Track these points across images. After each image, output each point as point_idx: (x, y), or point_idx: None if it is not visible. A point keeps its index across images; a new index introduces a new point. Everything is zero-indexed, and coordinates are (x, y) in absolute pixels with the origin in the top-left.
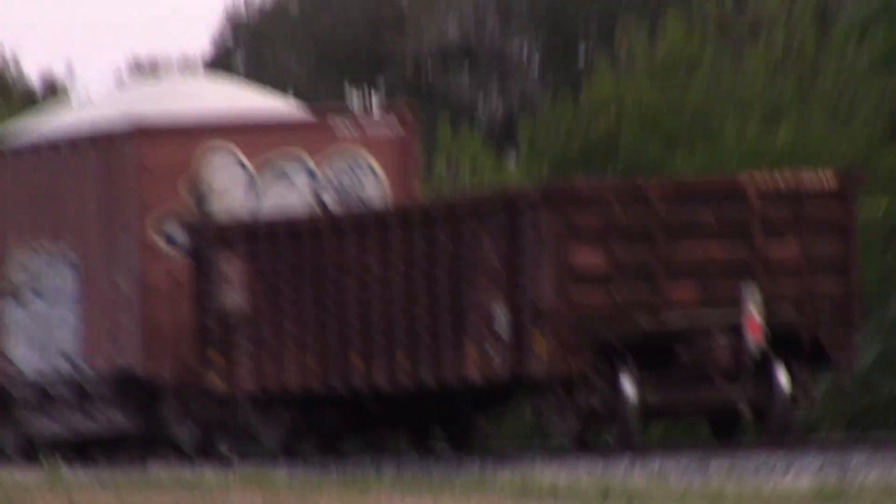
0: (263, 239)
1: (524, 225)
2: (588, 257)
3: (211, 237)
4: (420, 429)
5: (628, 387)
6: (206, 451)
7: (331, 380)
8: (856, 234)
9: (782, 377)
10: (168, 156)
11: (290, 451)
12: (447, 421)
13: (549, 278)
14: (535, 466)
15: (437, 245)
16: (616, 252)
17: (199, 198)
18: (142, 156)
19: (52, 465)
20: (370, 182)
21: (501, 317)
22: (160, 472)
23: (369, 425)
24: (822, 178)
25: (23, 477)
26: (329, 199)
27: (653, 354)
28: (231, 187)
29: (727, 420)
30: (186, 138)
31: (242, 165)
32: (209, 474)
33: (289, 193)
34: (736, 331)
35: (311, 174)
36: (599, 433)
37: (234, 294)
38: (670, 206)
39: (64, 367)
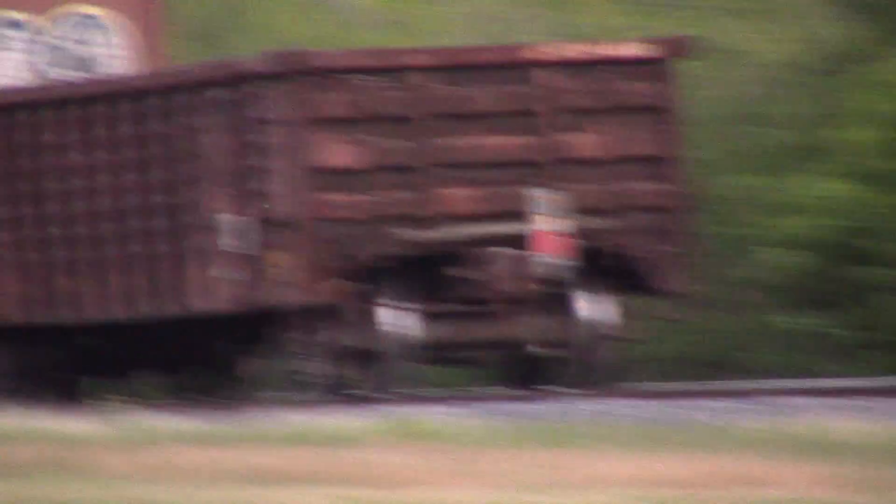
0: None
1: (252, 109)
2: (335, 152)
3: None
4: (171, 372)
5: (386, 320)
6: None
7: (31, 308)
8: (675, 118)
9: (583, 308)
10: None
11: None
12: (202, 363)
13: (284, 180)
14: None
15: (150, 135)
16: (370, 145)
17: None
18: None
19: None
20: (107, 45)
21: (228, 229)
22: (269, 422)
23: (109, 366)
24: (630, 46)
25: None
26: (52, 69)
27: (418, 279)
28: None
29: (524, 363)
30: None
31: None
32: (352, 423)
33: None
34: (522, 248)
35: (30, 39)
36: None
37: None
38: (439, 85)
39: None
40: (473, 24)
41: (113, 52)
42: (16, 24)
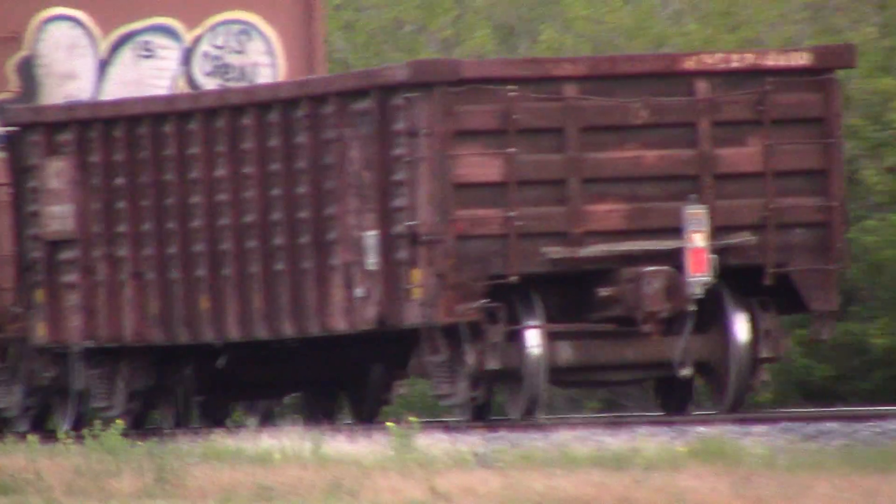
0: (97, 137)
1: (398, 121)
2: (481, 166)
3: (35, 136)
4: (319, 396)
5: (533, 341)
6: (39, 425)
7: (173, 328)
8: (838, 130)
9: (740, 327)
10: None
11: (137, 420)
12: (351, 385)
13: (428, 195)
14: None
15: (297, 147)
16: (516, 159)
17: (33, 83)
18: None
19: (402, 433)
20: (265, 54)
21: (372, 247)
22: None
23: (244, 390)
24: (791, 55)
25: (358, 450)
26: (206, 80)
27: (567, 298)
28: (77, 68)
29: (673, 385)
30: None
31: (92, 39)
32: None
33: (154, 76)
34: (675, 266)
35: (185, 48)
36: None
37: (63, 213)
38: (589, 96)
39: None
40: (812, 16)
41: (271, 61)
42: (170, 33)
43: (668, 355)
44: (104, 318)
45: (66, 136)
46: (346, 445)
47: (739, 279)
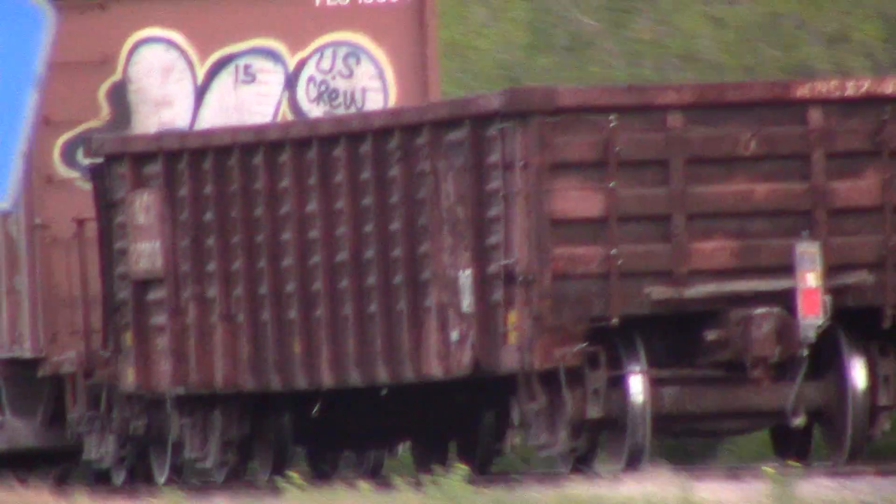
0: (185, 169)
1: (491, 153)
2: (580, 201)
3: (122, 168)
4: (429, 445)
5: (636, 388)
6: (130, 471)
7: (265, 374)
8: None
9: (857, 372)
10: (82, 46)
11: (232, 471)
12: (461, 434)
13: (523, 232)
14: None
15: (390, 180)
16: (617, 193)
17: (125, 109)
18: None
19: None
20: (374, 79)
21: (467, 287)
22: None
23: (348, 439)
24: None
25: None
26: (312, 107)
27: (672, 342)
28: (172, 94)
29: (789, 434)
30: (107, 20)
31: (189, 62)
32: None
33: (256, 102)
34: (787, 307)
35: (288, 73)
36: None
37: (151, 251)
38: (695, 126)
39: None
40: None
41: (381, 85)
42: (273, 56)
43: (779, 403)
44: (194, 362)
45: (153, 168)
46: (717, 492)
47: (857, 322)
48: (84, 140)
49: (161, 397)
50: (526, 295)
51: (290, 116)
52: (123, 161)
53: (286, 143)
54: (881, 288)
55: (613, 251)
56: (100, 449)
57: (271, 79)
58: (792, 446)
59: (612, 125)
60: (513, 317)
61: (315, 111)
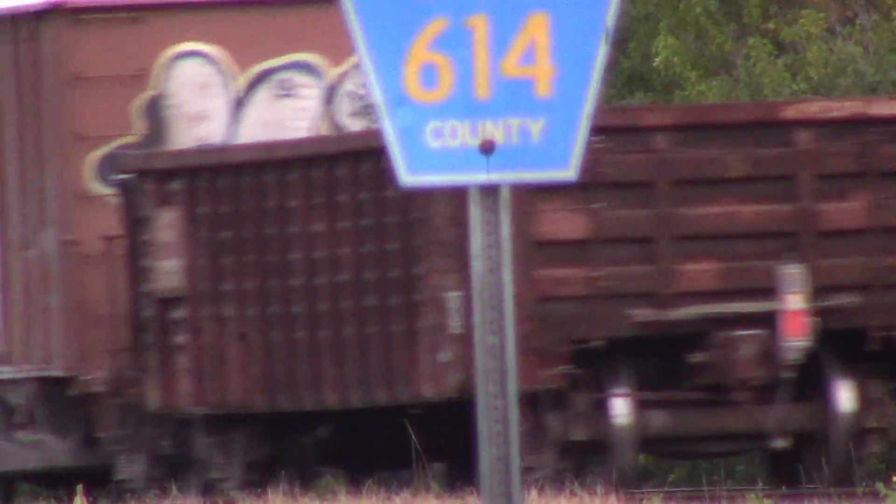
0: (205, 183)
1: None
2: (563, 222)
3: (148, 184)
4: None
5: (620, 410)
6: (161, 488)
7: (276, 394)
8: None
9: (844, 395)
10: (116, 60)
11: (257, 491)
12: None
13: None
14: None
15: (389, 200)
16: (602, 215)
17: (160, 125)
18: (70, 56)
19: None
20: None
21: (455, 308)
22: None
23: (370, 459)
24: None
25: None
26: (350, 121)
27: (656, 364)
28: (209, 109)
29: (779, 456)
30: (142, 34)
31: (226, 77)
32: None
33: (294, 117)
34: (772, 330)
35: (327, 88)
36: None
37: (174, 269)
38: (680, 147)
39: None
40: None
41: None
42: (311, 70)
43: (763, 426)
44: (211, 382)
45: (176, 185)
46: None
47: (844, 344)
48: (114, 156)
49: (184, 417)
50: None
51: (327, 131)
52: (149, 178)
53: (294, 162)
54: (868, 310)
55: (597, 273)
56: (130, 468)
57: (309, 93)
58: (783, 470)
59: (598, 146)
60: None
61: (353, 126)
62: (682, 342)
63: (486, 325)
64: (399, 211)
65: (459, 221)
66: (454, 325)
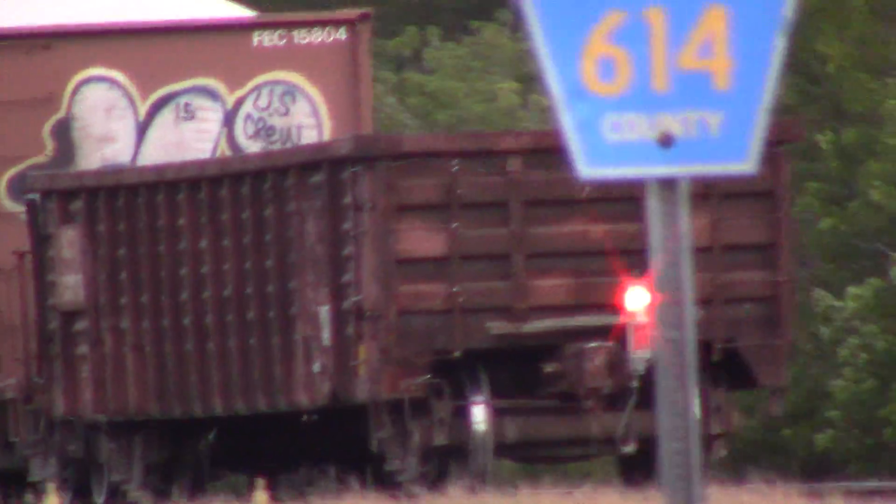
0: (103, 202)
1: (345, 195)
2: (424, 240)
3: (51, 204)
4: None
5: (478, 417)
6: (78, 491)
7: (170, 401)
8: (787, 204)
9: None
10: (28, 84)
11: (157, 493)
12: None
13: (371, 270)
14: None
15: (265, 219)
16: (459, 233)
17: (69, 146)
18: None
19: None
20: (309, 116)
21: (326, 322)
22: None
23: (262, 462)
24: None
25: None
26: (250, 143)
27: (513, 373)
28: (115, 131)
29: (634, 460)
30: (52, 60)
31: (131, 100)
32: None
33: (196, 138)
34: (618, 341)
35: (227, 111)
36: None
37: (75, 283)
38: (533, 170)
39: None
40: None
41: (316, 122)
42: (212, 94)
43: (612, 431)
44: (111, 390)
45: (77, 205)
46: None
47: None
48: (21, 176)
49: (87, 423)
50: (373, 329)
51: (228, 152)
52: (52, 197)
53: (181, 183)
54: (710, 323)
55: (456, 288)
56: (43, 471)
57: (210, 116)
58: (637, 472)
59: (454, 169)
60: (363, 350)
61: (253, 147)
62: (538, 353)
63: (666, 319)
64: (274, 230)
65: (326, 240)
66: (325, 337)
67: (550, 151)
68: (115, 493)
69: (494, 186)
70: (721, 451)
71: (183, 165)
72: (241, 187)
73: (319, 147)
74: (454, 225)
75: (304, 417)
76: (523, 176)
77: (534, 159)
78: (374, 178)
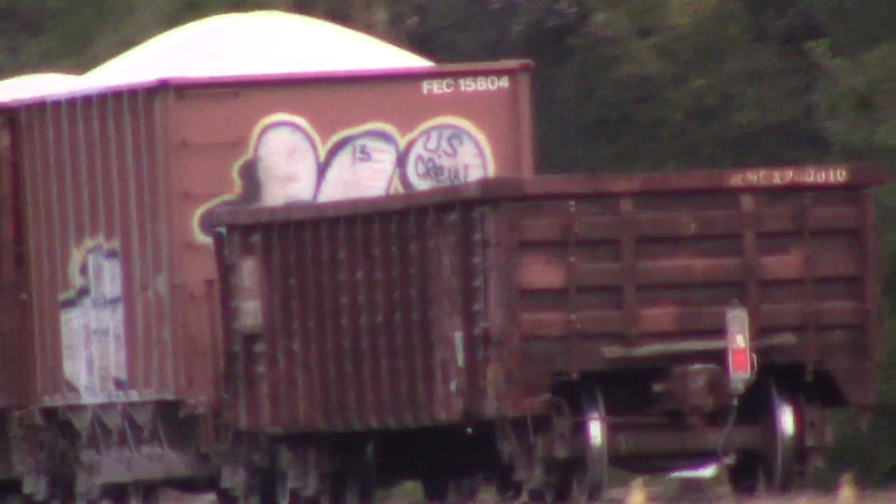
0: (276, 236)
1: (475, 233)
2: (544, 274)
3: (235, 237)
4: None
5: (595, 432)
6: (265, 497)
7: (332, 415)
8: (872, 241)
9: (785, 418)
10: (218, 129)
11: (333, 499)
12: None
13: (497, 300)
14: None
15: (410, 254)
16: (576, 267)
17: (255, 185)
18: (178, 126)
19: None
20: (471, 157)
21: (460, 346)
22: None
23: (422, 471)
24: (829, 172)
25: None
26: (420, 181)
27: (626, 392)
28: (297, 171)
29: (741, 470)
30: (239, 106)
31: (312, 143)
32: None
33: (370, 178)
34: (719, 364)
35: (399, 152)
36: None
37: (254, 309)
38: (642, 210)
39: (116, 392)
40: None
41: (480, 163)
42: (385, 137)
43: (713, 445)
44: (285, 406)
45: (255, 238)
46: None
47: (786, 376)
48: (212, 212)
49: (269, 434)
50: (499, 353)
51: (401, 190)
52: (236, 231)
53: (340, 220)
54: (804, 347)
55: (573, 316)
56: (233, 479)
57: (385, 157)
58: (744, 481)
59: (571, 209)
60: (490, 372)
61: (423, 185)
62: (647, 374)
63: None
64: (418, 263)
65: (458, 273)
66: (460, 359)
67: (658, 193)
68: (297, 499)
69: (608, 224)
70: (817, 463)
71: (339, 204)
72: (390, 224)
73: (453, 189)
74: (571, 259)
75: (469, 430)
76: (634, 215)
77: (643, 200)
78: (499, 217)
